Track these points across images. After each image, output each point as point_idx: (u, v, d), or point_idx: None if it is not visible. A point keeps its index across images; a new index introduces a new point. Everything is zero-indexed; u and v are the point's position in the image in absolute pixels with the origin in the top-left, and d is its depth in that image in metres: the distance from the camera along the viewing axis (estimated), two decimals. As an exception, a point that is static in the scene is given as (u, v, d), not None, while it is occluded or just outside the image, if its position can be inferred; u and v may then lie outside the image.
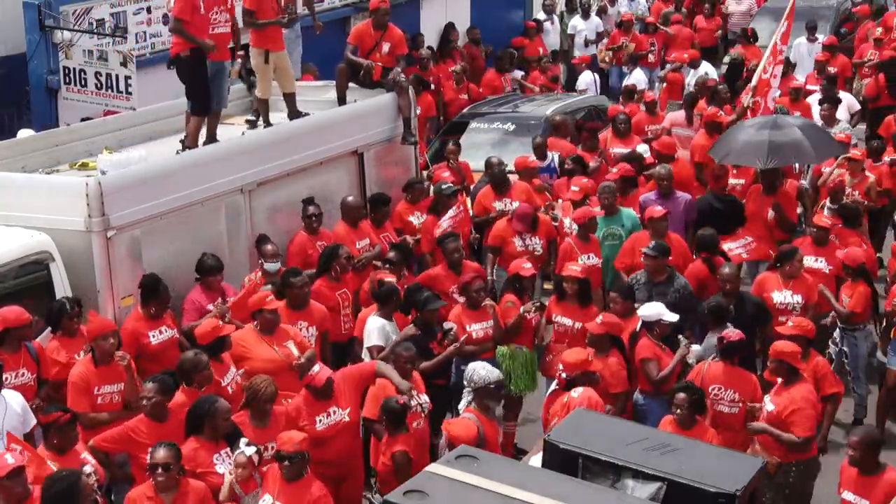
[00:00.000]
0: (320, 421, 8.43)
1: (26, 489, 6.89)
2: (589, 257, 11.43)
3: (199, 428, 7.80)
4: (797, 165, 13.90)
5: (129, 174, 9.97)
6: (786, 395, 8.66)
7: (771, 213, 12.15)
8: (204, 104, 10.71)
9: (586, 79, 19.15)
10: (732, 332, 9.16)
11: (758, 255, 11.95)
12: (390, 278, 10.11)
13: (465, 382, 8.60)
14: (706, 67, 18.64)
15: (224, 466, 7.73)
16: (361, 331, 9.86)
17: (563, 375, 8.71)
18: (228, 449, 7.84)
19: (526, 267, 10.54)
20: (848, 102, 16.33)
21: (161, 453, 7.27)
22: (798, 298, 10.56)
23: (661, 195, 12.39)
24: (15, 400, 8.13)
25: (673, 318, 9.60)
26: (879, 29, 19.62)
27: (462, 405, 8.60)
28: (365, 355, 9.64)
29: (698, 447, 7.28)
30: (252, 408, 8.20)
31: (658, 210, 11.39)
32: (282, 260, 10.63)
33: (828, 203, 12.67)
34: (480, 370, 8.57)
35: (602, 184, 12.36)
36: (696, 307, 10.41)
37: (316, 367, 8.55)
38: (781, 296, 10.60)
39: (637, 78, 18.84)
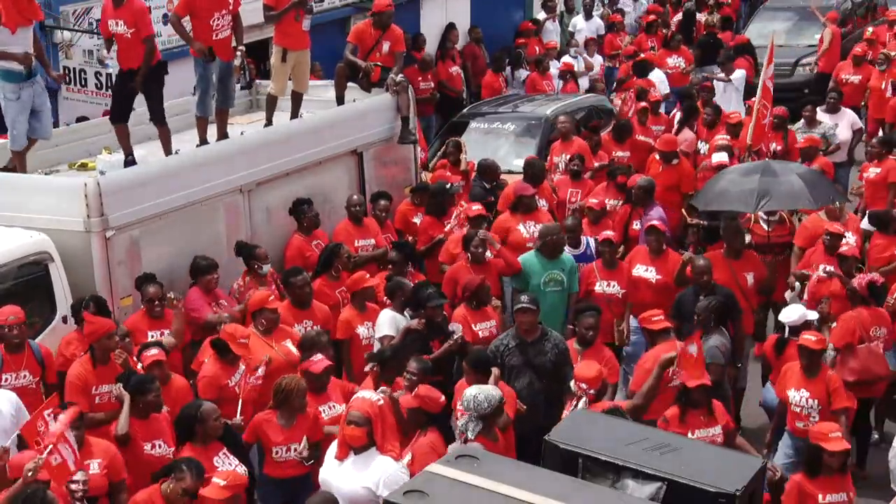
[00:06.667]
0: (323, 412, 8.46)
1: None
2: (610, 285, 10.76)
3: (191, 434, 7.78)
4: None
5: (129, 174, 10.00)
6: None
7: (751, 279, 10.81)
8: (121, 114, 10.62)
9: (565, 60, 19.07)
10: (862, 278, 10.02)
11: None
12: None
13: (472, 412, 7.77)
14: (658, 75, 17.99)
15: (225, 467, 7.67)
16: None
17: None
18: (226, 449, 7.82)
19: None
20: (850, 120, 15.83)
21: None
22: None
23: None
24: (7, 400, 8.09)
25: (814, 315, 9.66)
26: (870, 28, 19.61)
27: (470, 434, 7.74)
28: (376, 345, 9.67)
29: (698, 447, 7.28)
30: (284, 407, 8.11)
31: (658, 223, 10.96)
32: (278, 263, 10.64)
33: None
34: (481, 395, 7.79)
35: (546, 225, 11.03)
36: (570, 362, 9.09)
37: (317, 356, 8.57)
38: None
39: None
